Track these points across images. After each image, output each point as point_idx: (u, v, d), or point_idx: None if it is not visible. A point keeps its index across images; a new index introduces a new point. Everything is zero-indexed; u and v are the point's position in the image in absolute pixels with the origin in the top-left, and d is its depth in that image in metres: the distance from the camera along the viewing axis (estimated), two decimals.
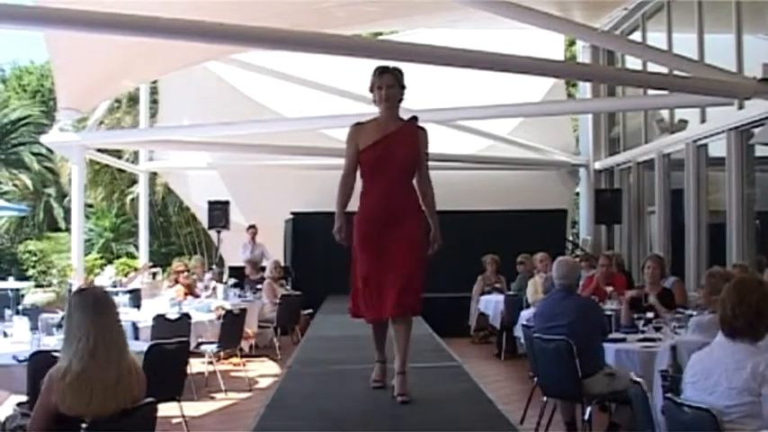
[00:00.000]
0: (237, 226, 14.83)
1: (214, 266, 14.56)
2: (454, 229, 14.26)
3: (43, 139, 14.25)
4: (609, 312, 7.00)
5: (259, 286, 12.13)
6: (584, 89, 16.15)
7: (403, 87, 4.90)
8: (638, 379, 4.12)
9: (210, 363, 9.40)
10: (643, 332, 6.53)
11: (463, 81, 13.77)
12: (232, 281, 12.32)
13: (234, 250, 14.74)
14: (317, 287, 12.99)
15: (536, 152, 15.92)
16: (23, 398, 5.18)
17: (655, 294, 7.37)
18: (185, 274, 11.24)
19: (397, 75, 4.89)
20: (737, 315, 3.51)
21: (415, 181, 4.88)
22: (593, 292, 8.38)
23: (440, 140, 15.86)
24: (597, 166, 15.74)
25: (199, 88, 15.30)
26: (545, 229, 14.14)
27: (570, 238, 16.71)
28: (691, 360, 3.73)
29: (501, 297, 11.48)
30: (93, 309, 3.56)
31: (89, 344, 3.49)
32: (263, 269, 12.68)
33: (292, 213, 15.03)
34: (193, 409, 7.68)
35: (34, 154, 27.71)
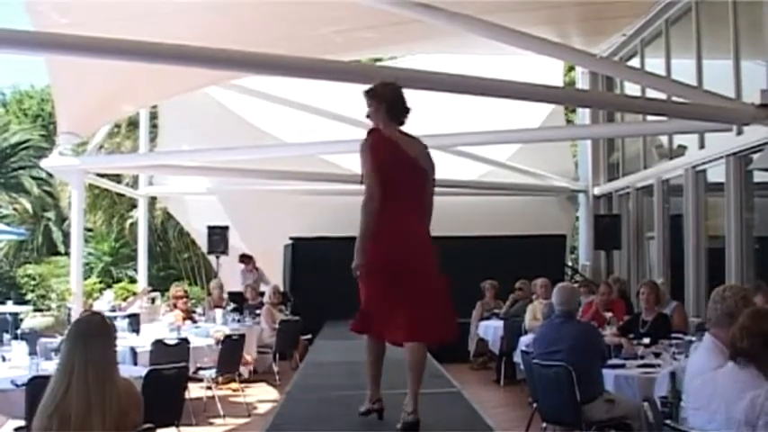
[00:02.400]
0: (237, 251, 14.82)
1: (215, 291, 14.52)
2: (453, 255, 14.36)
3: (43, 163, 14.26)
4: (608, 339, 7.02)
5: (258, 311, 12.10)
6: (584, 114, 16.19)
7: (375, 98, 4.75)
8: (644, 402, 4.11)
9: (209, 388, 9.34)
10: (642, 358, 6.54)
11: (462, 107, 13.88)
12: (231, 306, 12.25)
13: (233, 275, 14.72)
14: (316, 312, 12.94)
15: (535, 178, 15.95)
16: (22, 422, 5.06)
17: (651, 319, 7.38)
18: (184, 299, 11.19)
19: (367, 92, 4.80)
20: (747, 341, 3.44)
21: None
22: (592, 318, 8.37)
23: (439, 166, 16.10)
24: (596, 191, 15.76)
25: (199, 113, 15.33)
26: (544, 254, 14.10)
27: (569, 264, 16.69)
28: (693, 383, 3.70)
29: (500, 323, 11.46)
30: (77, 337, 3.56)
31: (67, 373, 3.48)
32: (262, 294, 12.67)
33: (291, 239, 14.99)
34: None
35: (34, 178, 27.68)
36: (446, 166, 14.42)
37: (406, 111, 4.78)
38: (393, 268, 4.53)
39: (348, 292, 4.83)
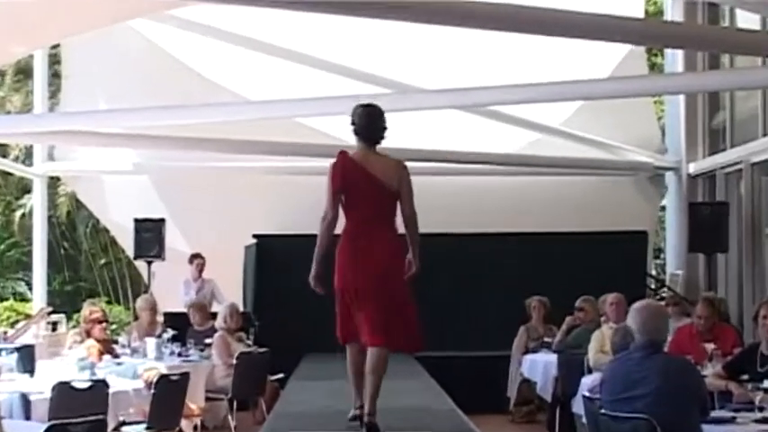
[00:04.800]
0: (176, 255, 14.90)
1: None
2: (483, 260, 14.04)
3: None
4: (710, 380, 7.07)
5: (208, 341, 12.11)
6: (674, 59, 16.24)
7: (353, 124, 7.10)
8: None
9: None
10: (761, 409, 6.51)
11: (498, 51, 13.98)
12: (169, 333, 12.24)
13: (172, 289, 14.78)
14: (291, 342, 13.02)
15: (603, 150, 16.05)
16: None
17: None
18: (101, 325, 11.15)
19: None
20: None
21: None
22: (686, 351, 8.34)
23: (464, 134, 15.79)
24: (692, 169, 15.88)
25: (121, 57, 15.38)
26: (616, 259, 14.17)
27: (653, 273, 16.70)
28: None
29: (552, 357, 11.53)
30: None
31: None
32: (214, 316, 12.69)
33: (256, 237, 15.00)
34: None
35: None
36: (474, 134, 14.71)
37: (379, 132, 7.08)
38: (354, 292, 6.90)
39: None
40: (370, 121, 7.06)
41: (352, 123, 7.10)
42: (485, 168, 14.55)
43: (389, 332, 6.83)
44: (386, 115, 7.13)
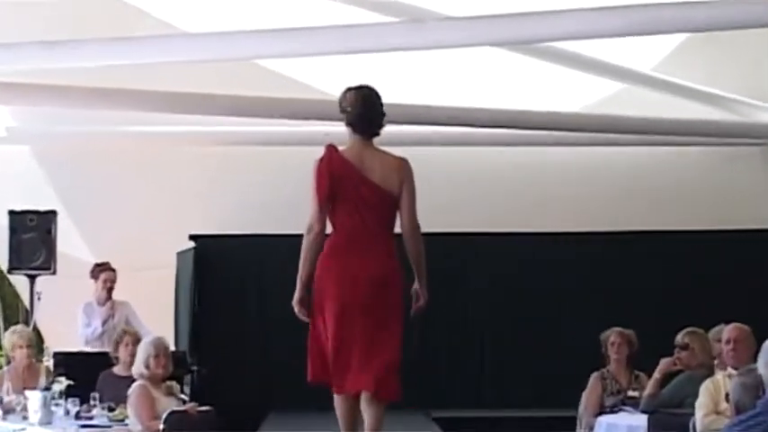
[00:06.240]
0: (73, 265, 15.02)
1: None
2: (534, 272, 14.57)
3: None
4: None
5: (123, 392, 11.99)
6: None
7: (340, 108, 8.17)
8: None
9: None
10: None
11: None
12: (62, 382, 12.29)
13: (65, 317, 14.92)
14: (247, 395, 13.28)
15: (716, 106, 16.01)
16: None
17: None
18: None
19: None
20: None
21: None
22: None
23: (507, 84, 15.96)
24: None
25: None
26: (738, 271, 14.34)
27: None
28: None
29: (640, 418, 11.44)
30: None
31: None
32: (132, 358, 12.50)
33: (193, 239, 15.23)
34: None
35: None
36: (522, 85, 14.78)
37: (376, 121, 8.08)
38: (341, 309, 7.89)
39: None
40: (365, 109, 8.00)
41: (342, 111, 8.02)
42: (536, 136, 14.53)
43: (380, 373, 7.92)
44: (382, 100, 8.05)
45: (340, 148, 7.96)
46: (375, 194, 7.87)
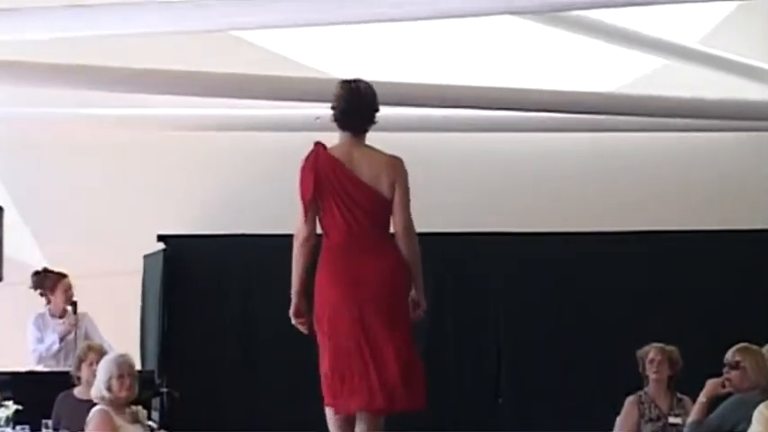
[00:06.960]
0: (22, 272, 14.27)
1: None
2: (560, 278, 15.24)
3: None
4: None
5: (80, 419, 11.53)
6: None
7: (332, 108, 8.18)
8: None
9: None
10: None
11: None
12: (8, 407, 11.68)
13: (13, 332, 14.35)
14: (225, 419, 13.33)
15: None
16: None
17: None
18: None
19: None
20: None
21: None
22: None
23: (525, 59, 16.43)
24: None
25: None
26: None
27: None
28: None
29: None
30: None
31: None
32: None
33: (162, 239, 14.67)
34: None
35: None
36: (544, 61, 15.90)
37: (367, 117, 8.09)
38: (339, 319, 7.93)
39: (302, 356, 7.21)
40: (350, 104, 8.06)
41: (332, 107, 8.10)
42: (559, 120, 14.20)
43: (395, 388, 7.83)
44: (374, 94, 8.12)
45: (329, 146, 8.05)
46: (363, 194, 8.00)
